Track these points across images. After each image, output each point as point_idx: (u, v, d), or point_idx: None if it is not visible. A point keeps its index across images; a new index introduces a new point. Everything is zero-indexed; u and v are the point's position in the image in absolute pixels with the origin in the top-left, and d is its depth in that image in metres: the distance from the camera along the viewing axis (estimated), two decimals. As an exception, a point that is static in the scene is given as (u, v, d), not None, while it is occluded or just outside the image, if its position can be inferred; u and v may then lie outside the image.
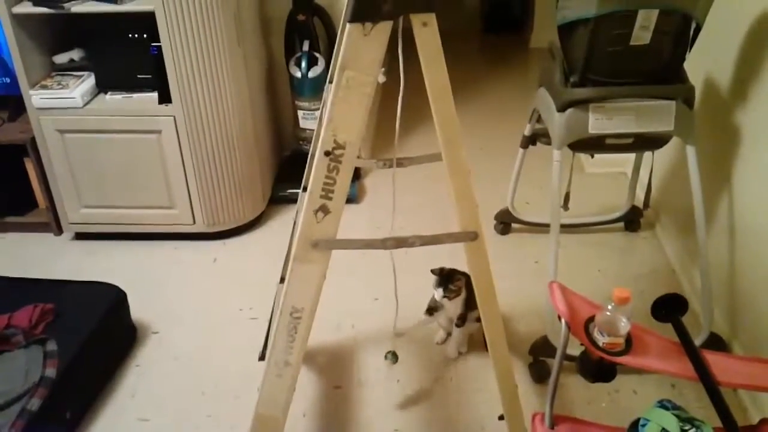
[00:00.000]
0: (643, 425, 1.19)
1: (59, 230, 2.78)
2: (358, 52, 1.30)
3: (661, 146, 2.05)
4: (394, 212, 2.85)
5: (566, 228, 2.55)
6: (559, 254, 1.97)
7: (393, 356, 2.05)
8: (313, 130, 2.80)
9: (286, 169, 3.11)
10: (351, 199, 2.96)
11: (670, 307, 1.42)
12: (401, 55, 1.32)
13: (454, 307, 2.06)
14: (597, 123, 1.90)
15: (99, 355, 2.05)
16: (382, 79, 1.48)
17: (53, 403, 1.79)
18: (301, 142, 3.02)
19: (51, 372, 1.82)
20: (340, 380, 2.09)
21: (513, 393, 1.71)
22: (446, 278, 2.01)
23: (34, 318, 1.97)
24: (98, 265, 2.63)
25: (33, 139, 2.56)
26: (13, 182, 2.77)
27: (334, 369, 2.13)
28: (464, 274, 2.02)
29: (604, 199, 2.86)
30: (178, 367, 2.16)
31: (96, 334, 2.00)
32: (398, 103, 1.38)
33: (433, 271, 2.03)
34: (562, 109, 1.92)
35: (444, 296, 2.00)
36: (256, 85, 2.74)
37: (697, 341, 2.00)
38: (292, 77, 2.88)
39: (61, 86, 2.47)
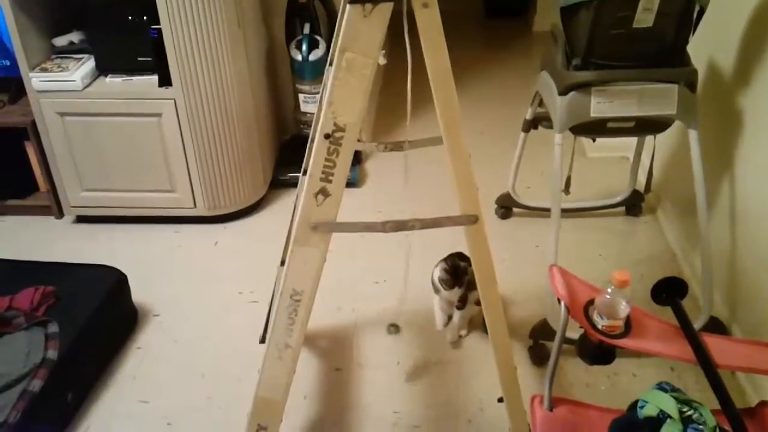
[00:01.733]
0: (642, 407, 1.20)
1: (60, 213, 2.78)
2: (358, 33, 1.30)
3: (663, 130, 2.05)
4: (397, 196, 2.85)
5: (567, 212, 2.55)
6: (559, 238, 1.97)
7: (395, 328, 2.05)
8: (313, 113, 2.79)
9: (287, 153, 3.10)
10: (352, 183, 2.95)
11: (669, 291, 1.42)
12: (407, 36, 1.31)
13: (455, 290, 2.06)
14: (599, 106, 1.89)
15: (100, 338, 2.06)
16: (382, 61, 1.48)
17: (54, 385, 1.80)
18: (301, 126, 3.01)
19: (52, 354, 1.83)
20: (340, 362, 2.10)
21: (512, 375, 1.72)
22: (457, 275, 2.00)
23: (35, 300, 1.98)
24: (99, 248, 2.64)
25: (33, 122, 2.56)
26: (14, 165, 2.77)
27: (335, 351, 2.14)
28: (459, 254, 2.03)
29: (605, 183, 2.85)
30: (179, 349, 2.17)
31: (97, 317, 2.01)
32: (408, 84, 1.36)
33: (446, 270, 2.00)
34: (564, 92, 1.91)
35: (454, 286, 2.00)
36: (257, 69, 2.73)
37: (697, 325, 2.00)
38: (292, 60, 2.87)
39: (61, 69, 2.46)
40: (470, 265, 2.00)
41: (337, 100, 1.35)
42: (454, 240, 2.07)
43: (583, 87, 1.89)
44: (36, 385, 1.75)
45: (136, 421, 1.92)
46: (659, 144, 2.38)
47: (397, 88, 3.32)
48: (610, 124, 1.96)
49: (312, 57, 2.82)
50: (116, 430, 1.90)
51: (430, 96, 1.36)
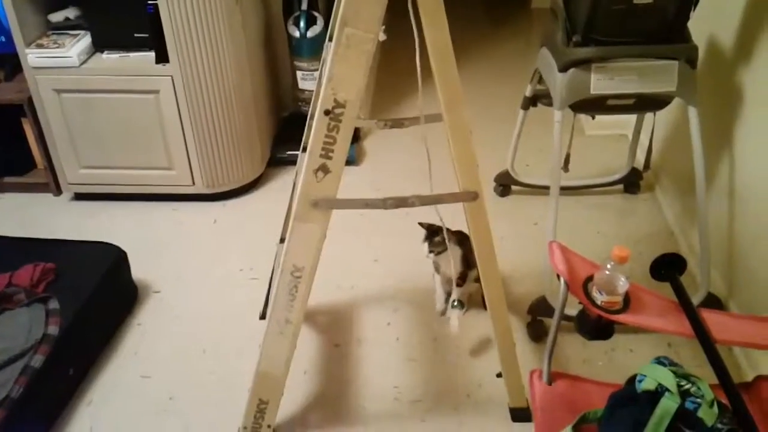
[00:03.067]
0: (640, 381, 1.21)
1: (58, 191, 2.78)
2: (359, 8, 1.29)
3: (662, 107, 2.04)
4: (396, 174, 2.85)
5: (566, 190, 2.55)
6: (558, 216, 1.98)
7: (460, 304, 2.03)
8: (311, 91, 2.77)
9: (285, 130, 3.09)
10: (350, 161, 2.95)
11: (668, 267, 1.43)
12: (412, 9, 1.30)
13: (449, 265, 2.04)
14: (599, 83, 1.89)
15: (100, 314, 2.07)
16: (382, 37, 1.47)
17: (56, 360, 1.81)
18: (299, 104, 3.00)
19: (53, 329, 1.84)
20: (339, 339, 2.11)
21: (511, 351, 1.74)
22: (432, 233, 1.99)
23: (35, 277, 1.99)
24: (98, 225, 2.64)
25: (30, 99, 2.54)
26: (11, 143, 2.76)
27: (334, 328, 2.16)
28: (458, 232, 2.03)
29: (603, 161, 2.85)
30: (180, 325, 2.18)
31: (97, 293, 2.02)
32: (416, 58, 1.35)
33: (420, 224, 2.01)
34: (563, 69, 1.90)
35: (430, 251, 1.99)
36: (254, 45, 2.71)
37: (695, 301, 2.01)
38: (290, 37, 2.84)
39: (57, 45, 2.44)
40: (458, 235, 2.00)
41: (337, 76, 1.35)
42: (454, 218, 2.08)
43: (583, 64, 1.88)
44: (38, 360, 1.76)
45: (138, 396, 1.94)
46: (658, 121, 2.37)
47: (395, 66, 3.30)
48: (610, 101, 1.95)
49: (310, 33, 2.80)
50: (118, 404, 1.92)
51: (428, 73, 1.36)
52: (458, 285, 2.09)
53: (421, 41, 1.35)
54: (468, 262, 2.04)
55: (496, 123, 3.08)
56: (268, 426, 1.77)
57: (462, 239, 2.02)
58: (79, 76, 2.45)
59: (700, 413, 1.13)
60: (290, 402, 1.88)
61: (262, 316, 2.17)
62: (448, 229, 1.93)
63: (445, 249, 1.98)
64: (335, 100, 1.37)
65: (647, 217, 2.59)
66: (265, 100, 2.87)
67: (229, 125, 2.58)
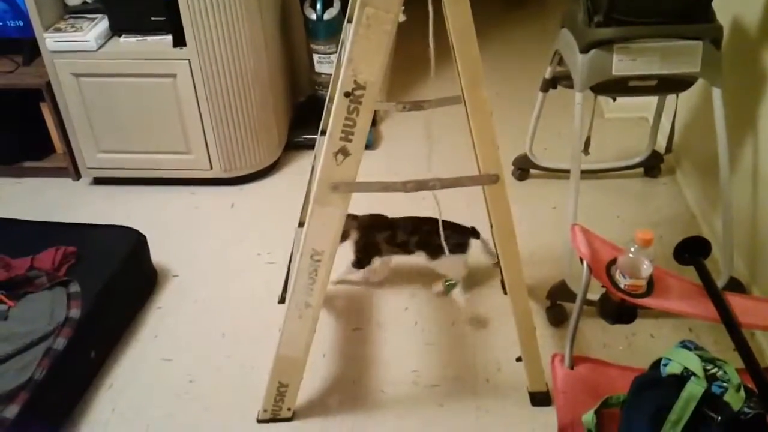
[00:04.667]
0: (665, 365, 1.19)
1: (77, 175, 2.79)
2: (380, -13, 1.27)
3: (685, 89, 2.01)
4: (413, 158, 2.83)
5: (585, 173, 2.50)
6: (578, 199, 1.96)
7: (452, 285, 2.08)
8: (328, 74, 2.76)
9: (302, 115, 3.08)
10: (367, 145, 2.92)
11: (693, 250, 1.41)
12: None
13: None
14: (621, 64, 1.86)
15: (121, 297, 2.09)
16: (402, 17, 1.45)
17: (78, 343, 1.83)
18: (316, 87, 2.99)
19: (75, 313, 1.86)
20: (359, 322, 2.11)
21: (531, 335, 1.73)
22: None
23: (56, 260, 2.00)
24: (117, 209, 2.65)
25: (48, 83, 2.55)
26: (31, 127, 2.78)
27: (353, 312, 2.16)
28: (363, 218, 2.05)
29: (623, 144, 2.82)
30: (199, 309, 2.19)
31: (118, 277, 2.03)
32: (429, 36, 1.34)
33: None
34: (585, 50, 1.88)
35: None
36: (271, 28, 2.69)
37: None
38: (306, 19, 2.82)
39: (75, 29, 2.44)
40: (355, 221, 2.03)
41: (357, 57, 1.33)
42: (471, 201, 2.06)
43: (605, 44, 1.85)
44: (60, 343, 1.78)
45: (158, 378, 1.96)
46: (680, 103, 2.34)
47: (412, 48, 3.25)
48: (631, 83, 1.92)
49: (326, 16, 2.78)
50: (139, 386, 1.93)
51: (446, 55, 1.34)
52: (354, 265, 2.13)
53: (439, 19, 1.34)
54: (365, 245, 2.07)
55: (514, 106, 3.05)
56: (288, 409, 1.78)
57: (358, 224, 2.05)
58: (97, 60, 2.45)
59: (727, 397, 1.12)
60: (310, 385, 1.89)
61: (281, 300, 2.17)
62: (353, 216, 1.99)
63: (345, 237, 2.03)
64: (355, 82, 1.36)
65: (668, 201, 2.56)
66: (281, 83, 2.86)
67: (246, 109, 2.57)
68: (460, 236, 2.05)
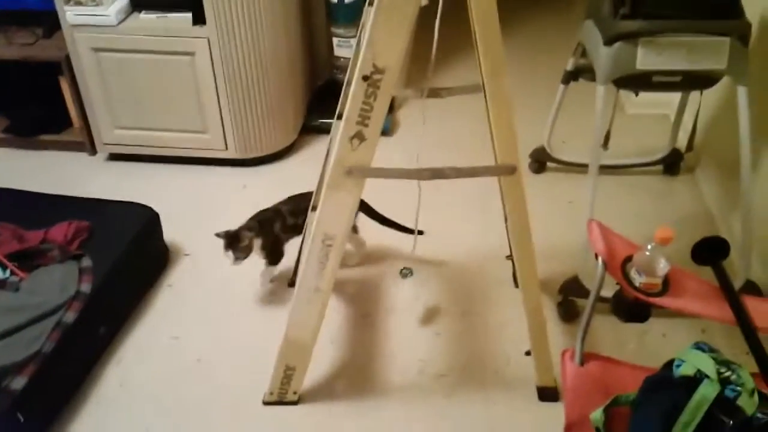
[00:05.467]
0: (678, 366, 1.17)
1: (93, 150, 2.80)
2: (403, -31, 1.25)
3: (710, 85, 1.97)
4: (430, 146, 2.81)
5: (603, 169, 2.47)
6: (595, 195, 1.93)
7: (408, 271, 2.06)
8: (347, 58, 2.73)
9: (319, 98, 3.06)
10: (384, 132, 2.90)
11: (711, 250, 1.38)
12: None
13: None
14: (645, 58, 1.82)
15: (132, 274, 2.09)
16: (424, 1, 1.43)
17: (88, 318, 1.83)
18: (335, 71, 2.97)
19: (86, 287, 1.86)
20: (367, 309, 2.11)
21: (542, 329, 1.71)
22: (232, 239, 1.97)
23: (69, 234, 2.00)
24: (131, 186, 2.65)
25: (67, 57, 2.55)
26: (49, 100, 2.78)
27: (362, 298, 2.15)
28: (252, 224, 2.01)
29: (643, 141, 2.78)
30: (209, 288, 2.19)
31: (129, 253, 2.03)
32: (437, 20, 1.31)
33: (217, 235, 1.98)
34: (609, 42, 1.84)
35: (237, 259, 1.98)
36: (291, 10, 2.67)
37: (732, 288, 1.96)
38: (327, 3, 2.80)
39: (95, 3, 2.43)
40: (256, 225, 2.00)
41: (377, 40, 1.31)
42: (485, 191, 2.04)
43: (630, 37, 1.81)
44: (70, 317, 1.79)
45: (166, 356, 1.96)
46: (703, 100, 2.29)
47: (431, 35, 3.21)
48: (655, 78, 1.89)
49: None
50: (147, 364, 1.94)
51: (463, 44, 1.31)
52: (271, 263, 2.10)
53: (462, 5, 1.31)
54: (272, 242, 2.04)
55: (533, 97, 3.00)
56: (294, 392, 1.78)
57: (259, 226, 2.00)
58: (117, 35, 2.44)
59: (740, 402, 1.10)
60: (317, 370, 1.88)
61: (291, 283, 2.17)
62: (245, 228, 1.98)
63: (250, 251, 1.99)
64: (374, 66, 1.34)
65: (686, 199, 2.52)
66: (300, 66, 2.84)
67: (264, 90, 2.56)
68: None
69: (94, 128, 2.70)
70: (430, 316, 2.07)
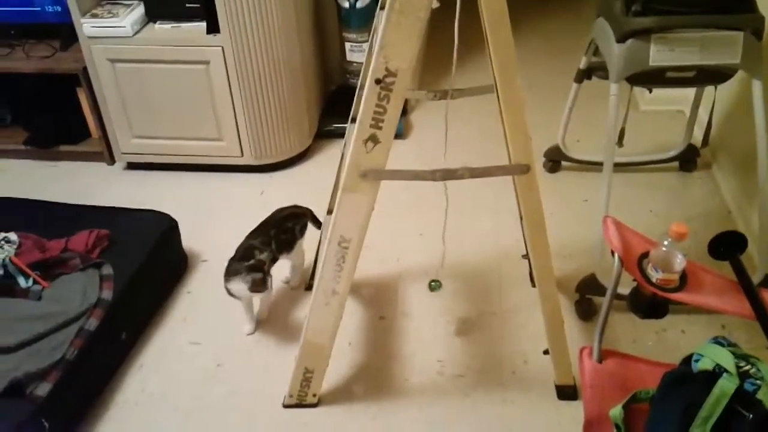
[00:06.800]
0: (697, 360, 1.17)
1: (111, 160, 2.84)
2: (413, -27, 1.26)
3: (724, 80, 1.96)
4: (443, 148, 2.82)
5: (618, 166, 2.46)
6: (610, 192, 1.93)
7: (437, 284, 2.05)
8: (360, 63, 2.75)
9: (333, 103, 3.08)
10: (397, 135, 2.92)
11: (728, 245, 1.38)
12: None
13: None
14: (658, 54, 1.82)
15: (152, 281, 2.11)
16: (435, 4, 1.44)
17: (110, 324, 1.86)
18: (348, 76, 2.98)
19: (107, 294, 1.89)
20: (384, 311, 2.11)
21: (559, 328, 1.71)
22: (253, 270, 1.92)
23: (90, 243, 2.03)
24: (149, 194, 2.68)
25: (85, 69, 2.59)
26: (67, 112, 2.82)
27: (379, 301, 2.16)
28: (261, 258, 1.95)
29: (658, 137, 2.77)
30: (227, 295, 2.20)
31: (149, 260, 2.06)
32: (456, 21, 1.32)
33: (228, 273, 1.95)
34: (621, 39, 1.84)
35: (256, 291, 1.92)
36: (304, 16, 2.69)
37: (751, 283, 1.95)
38: (339, 8, 2.82)
39: (111, 15, 2.47)
40: (267, 254, 1.96)
41: (389, 43, 1.33)
42: (499, 192, 2.04)
43: (643, 34, 1.81)
44: (92, 323, 1.81)
45: (187, 361, 1.98)
46: (718, 95, 2.28)
47: (444, 37, 3.23)
48: (669, 74, 1.88)
49: (359, 4, 2.77)
50: (168, 369, 1.96)
51: (474, 45, 1.32)
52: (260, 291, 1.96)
53: (473, 6, 1.32)
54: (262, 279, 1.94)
55: (546, 97, 3.01)
56: (314, 395, 1.79)
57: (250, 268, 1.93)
58: (133, 46, 2.48)
59: (760, 395, 1.09)
60: (335, 372, 1.89)
61: (308, 287, 2.18)
62: (262, 262, 1.93)
63: (267, 285, 1.93)
64: (387, 69, 1.35)
65: (703, 195, 2.51)
66: (313, 72, 2.86)
67: (278, 97, 2.58)
68: (302, 218, 2.13)
69: (111, 138, 2.73)
70: (447, 317, 2.08)
